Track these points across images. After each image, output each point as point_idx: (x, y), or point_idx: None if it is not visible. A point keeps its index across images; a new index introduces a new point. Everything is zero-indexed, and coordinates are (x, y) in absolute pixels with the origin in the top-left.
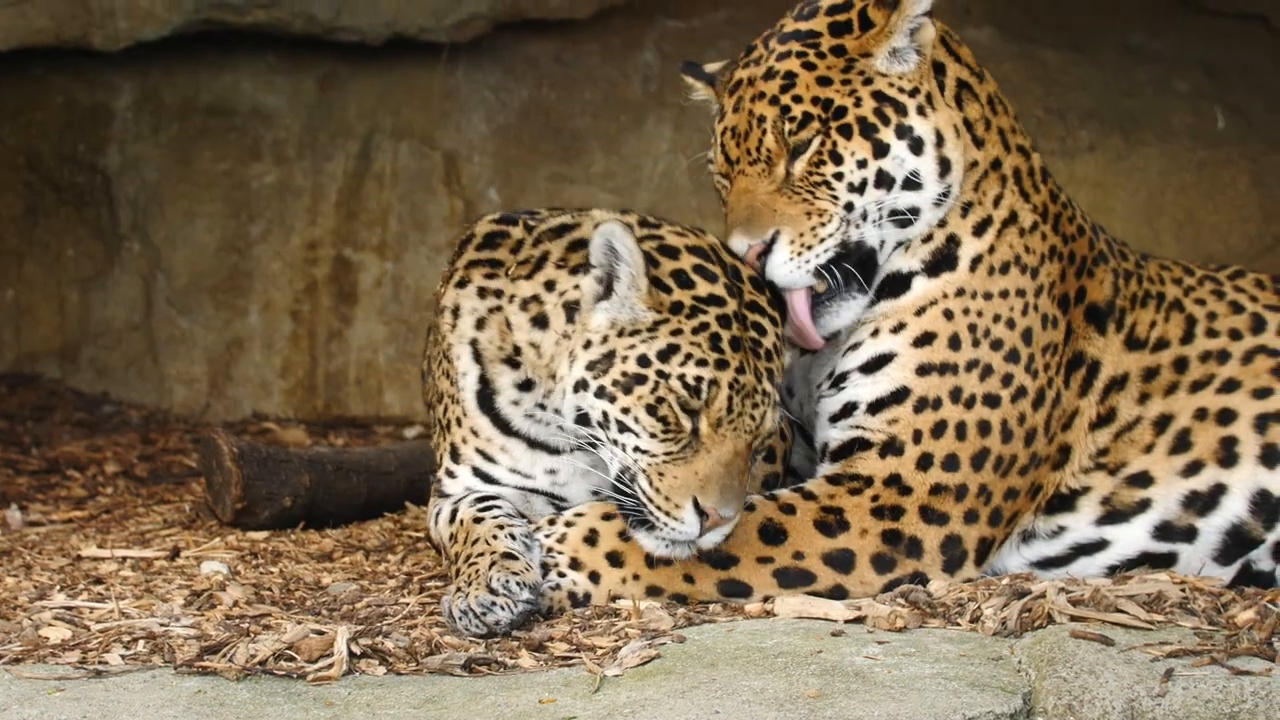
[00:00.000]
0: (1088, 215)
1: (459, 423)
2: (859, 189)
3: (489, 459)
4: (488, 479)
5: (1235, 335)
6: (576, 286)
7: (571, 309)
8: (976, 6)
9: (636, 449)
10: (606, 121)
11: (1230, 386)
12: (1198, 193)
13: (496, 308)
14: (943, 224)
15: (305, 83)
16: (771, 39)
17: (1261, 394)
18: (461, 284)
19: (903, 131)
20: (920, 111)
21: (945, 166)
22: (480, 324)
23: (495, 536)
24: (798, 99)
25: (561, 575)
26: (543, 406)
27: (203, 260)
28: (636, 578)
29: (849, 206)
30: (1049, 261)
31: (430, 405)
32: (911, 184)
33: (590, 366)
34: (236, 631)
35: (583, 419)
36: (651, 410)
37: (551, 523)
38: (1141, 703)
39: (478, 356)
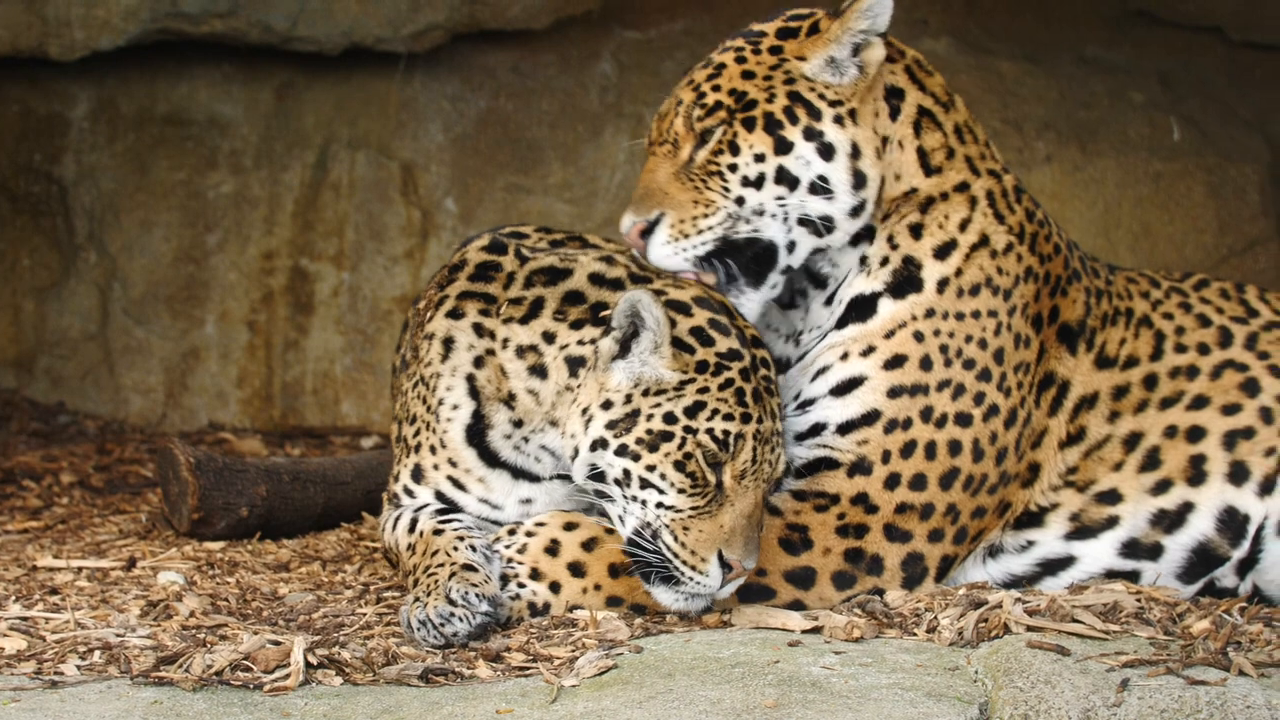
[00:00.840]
0: (1062, 231)
1: (433, 450)
2: (754, 183)
3: (460, 487)
4: (450, 505)
5: (1203, 350)
6: (580, 342)
7: (575, 364)
8: (934, 18)
9: (660, 505)
10: (564, 132)
11: (1199, 403)
12: (1154, 204)
13: (491, 350)
14: (895, 247)
15: (262, 92)
16: (730, 37)
17: (1230, 410)
18: (455, 315)
19: (811, 134)
20: (838, 121)
21: (860, 180)
22: (479, 362)
23: (456, 548)
24: (716, 88)
25: (521, 585)
26: (527, 440)
27: (159, 270)
28: (598, 588)
29: (740, 200)
30: (1024, 283)
31: (397, 418)
32: (820, 189)
33: (611, 425)
34: (193, 642)
35: (597, 476)
36: (679, 466)
37: (512, 533)
38: (1097, 712)
39: (475, 393)
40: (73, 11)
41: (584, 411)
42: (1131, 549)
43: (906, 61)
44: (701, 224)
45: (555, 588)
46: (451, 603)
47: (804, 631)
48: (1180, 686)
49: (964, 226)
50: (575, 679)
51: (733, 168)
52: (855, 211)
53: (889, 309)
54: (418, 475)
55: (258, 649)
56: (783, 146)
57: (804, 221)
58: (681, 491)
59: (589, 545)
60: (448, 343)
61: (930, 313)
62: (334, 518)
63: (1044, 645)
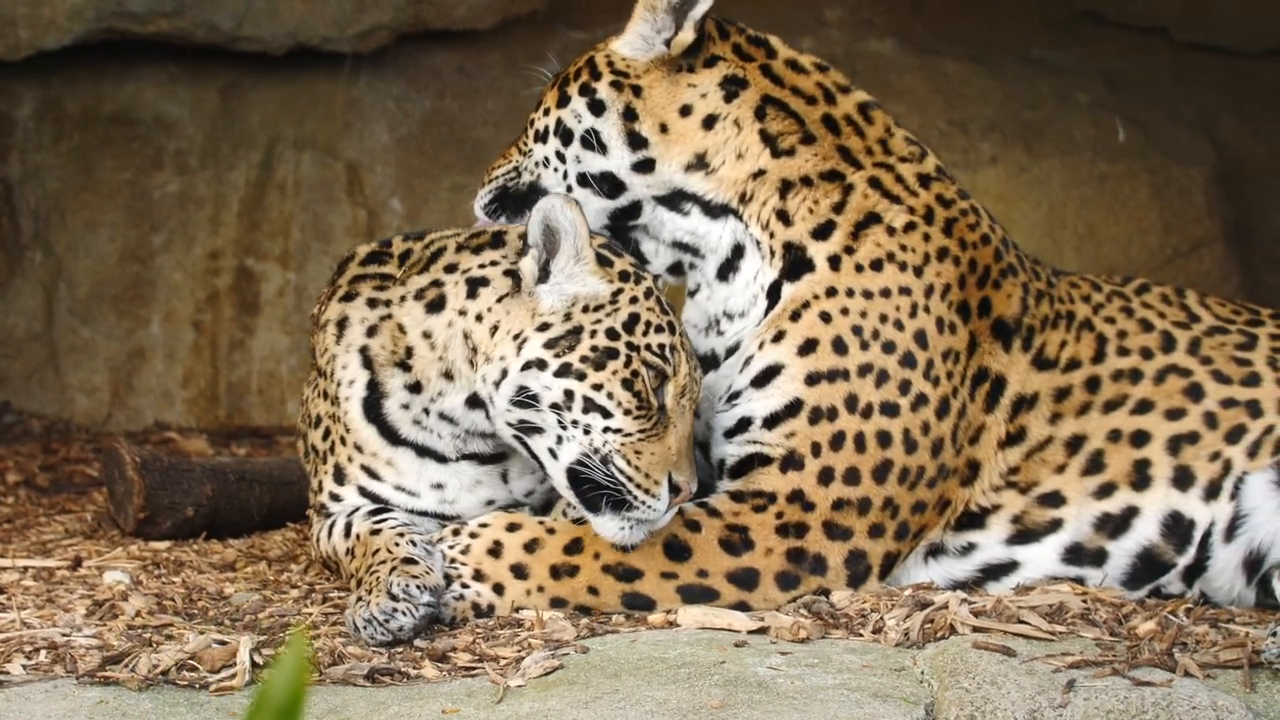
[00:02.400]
0: (999, 228)
1: (342, 441)
2: (541, 136)
3: (374, 476)
4: (375, 499)
5: (1146, 354)
6: (481, 265)
7: (475, 284)
8: (879, 18)
9: (608, 429)
10: (509, 132)
11: (1143, 407)
12: (1099, 205)
13: (387, 315)
14: (771, 234)
15: (207, 92)
16: None
17: (1174, 415)
18: (348, 297)
19: (585, 90)
20: (615, 86)
21: (637, 140)
22: (371, 331)
23: (397, 544)
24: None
25: (465, 586)
26: (427, 412)
27: (104, 270)
28: (541, 589)
29: (527, 152)
30: (937, 262)
31: (303, 435)
32: (591, 144)
33: (551, 345)
34: (139, 642)
35: (525, 402)
36: (627, 384)
37: (456, 534)
38: (1043, 713)
39: (368, 363)
40: (18, 10)
41: (515, 336)
42: (1075, 554)
43: (770, 62)
44: (495, 172)
45: (499, 589)
46: (393, 598)
47: (750, 632)
48: (1126, 687)
49: (839, 209)
50: (521, 679)
51: (531, 122)
52: (640, 167)
53: (789, 291)
54: (339, 476)
55: (204, 649)
56: (562, 100)
57: (583, 180)
58: (628, 413)
59: (531, 547)
60: (341, 324)
61: (832, 291)
62: (280, 517)
63: (990, 646)
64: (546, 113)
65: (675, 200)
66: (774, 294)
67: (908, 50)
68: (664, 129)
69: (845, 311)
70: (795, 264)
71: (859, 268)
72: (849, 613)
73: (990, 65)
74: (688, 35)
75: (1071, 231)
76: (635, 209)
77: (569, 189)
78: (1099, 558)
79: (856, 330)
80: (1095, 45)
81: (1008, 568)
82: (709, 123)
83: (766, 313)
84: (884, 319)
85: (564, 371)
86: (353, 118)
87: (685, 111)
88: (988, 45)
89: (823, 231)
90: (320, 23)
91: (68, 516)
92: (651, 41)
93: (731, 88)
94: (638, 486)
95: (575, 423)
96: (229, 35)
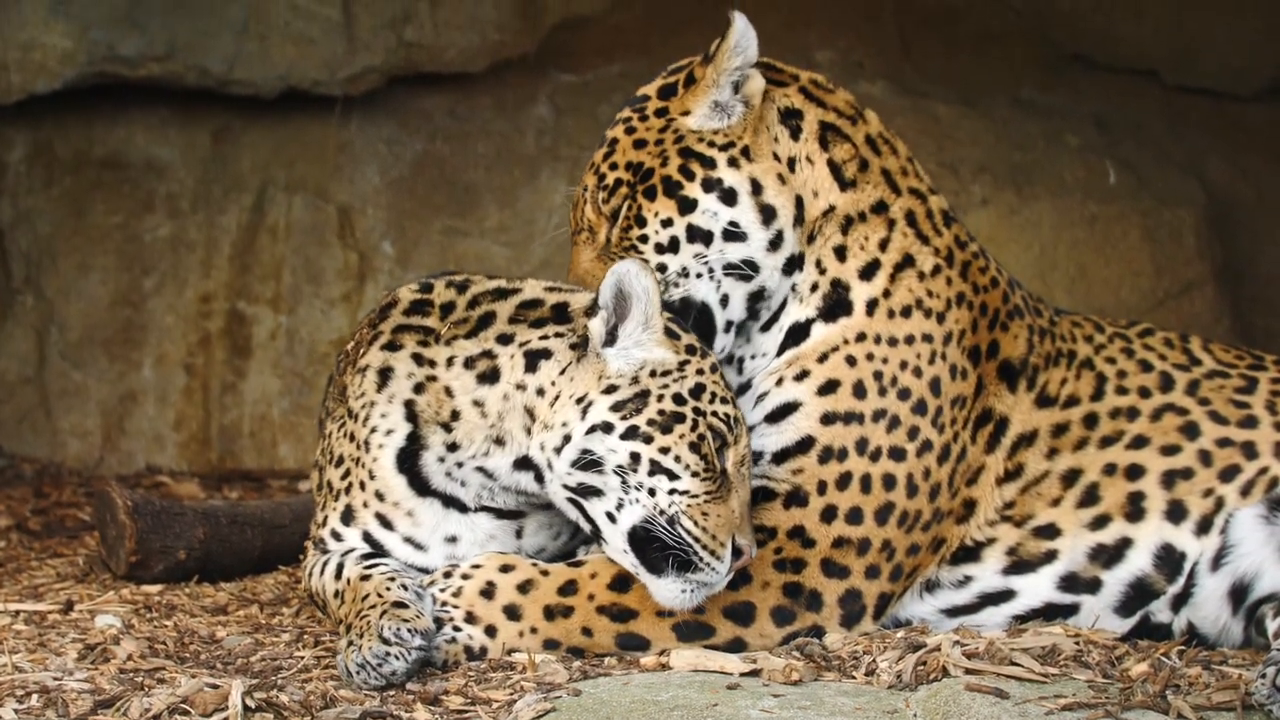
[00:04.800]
0: (1004, 269)
1: (362, 486)
2: (670, 248)
3: (386, 525)
4: (377, 548)
5: (1144, 393)
6: (543, 338)
7: (535, 357)
8: (869, 61)
9: (674, 491)
10: (500, 175)
11: (1139, 443)
12: (1089, 247)
13: (433, 376)
14: (823, 271)
15: (199, 136)
16: (620, 108)
17: (1169, 451)
18: (392, 347)
19: (710, 185)
20: (732, 164)
21: (769, 214)
22: (419, 388)
23: (388, 588)
24: (614, 166)
25: (457, 629)
26: (460, 465)
27: (96, 313)
28: (534, 631)
29: (661, 268)
30: (956, 308)
31: (320, 468)
32: (733, 235)
33: (617, 407)
34: (131, 685)
35: (587, 465)
36: (694, 448)
37: (448, 575)
38: None
39: (412, 417)
40: (9, 55)
41: (580, 400)
42: (1070, 583)
43: (801, 83)
44: None
45: (491, 631)
46: (385, 641)
47: (742, 674)
48: None
49: (884, 246)
50: None
51: (644, 239)
52: (774, 245)
53: (821, 332)
54: (347, 517)
55: (196, 692)
56: (687, 206)
57: (729, 269)
58: (695, 475)
59: (524, 588)
60: (384, 372)
61: (862, 336)
62: (272, 560)
63: (982, 688)
64: (668, 223)
65: (785, 265)
66: (798, 332)
67: (898, 92)
68: (781, 182)
69: (870, 357)
70: (836, 304)
71: (891, 314)
72: (841, 655)
73: (980, 107)
74: (758, 82)
75: (1063, 273)
76: (763, 290)
77: (718, 285)
78: (1093, 586)
79: (878, 376)
80: (1085, 88)
81: (1004, 595)
82: (791, 166)
83: (781, 349)
84: (904, 366)
85: (631, 434)
86: (344, 161)
87: (777, 159)
88: (978, 87)
89: (868, 271)
90: (311, 66)
91: (59, 560)
92: (728, 105)
93: (792, 121)
94: (704, 548)
95: (640, 485)
96: (220, 79)
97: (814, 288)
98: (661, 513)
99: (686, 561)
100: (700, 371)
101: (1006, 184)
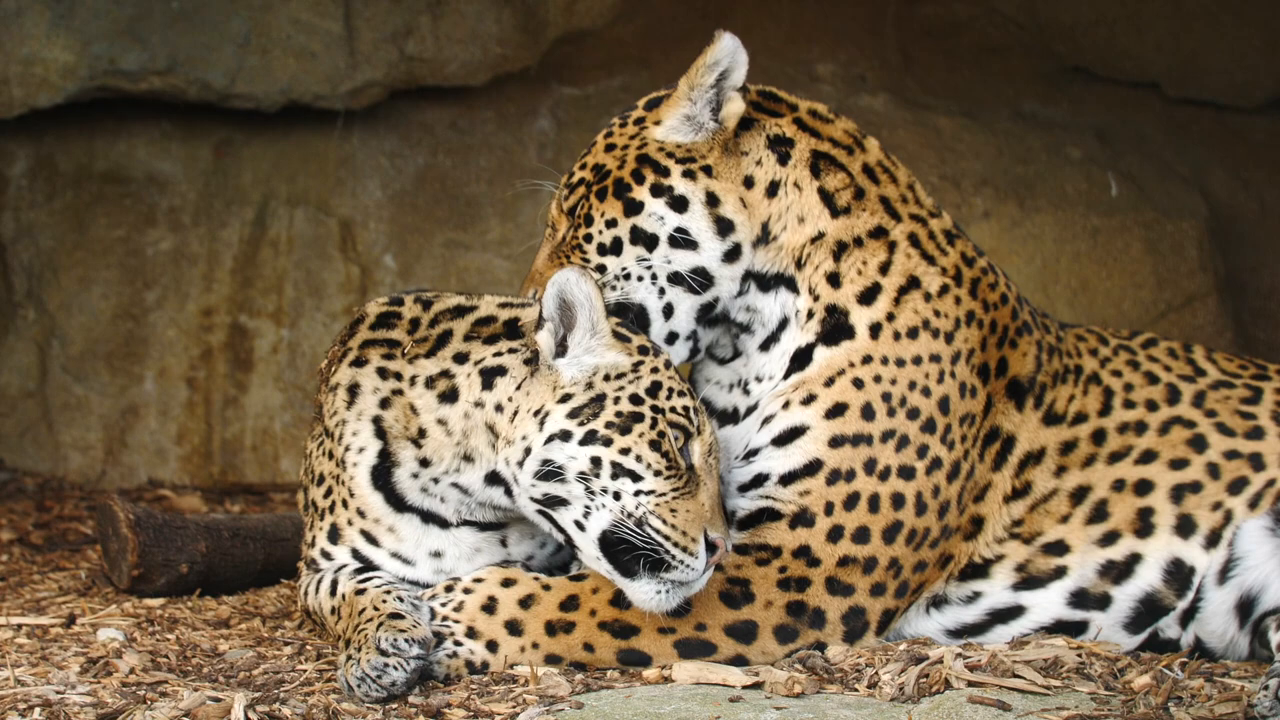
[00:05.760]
0: (1011, 284)
1: (344, 504)
2: (612, 249)
3: (372, 541)
4: (366, 564)
5: (1151, 407)
6: (496, 354)
7: (490, 374)
8: (871, 74)
9: (639, 492)
10: (502, 188)
11: (1147, 457)
12: (1092, 259)
13: (399, 390)
14: (816, 297)
15: (200, 149)
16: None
17: (1178, 465)
18: (359, 363)
19: (659, 190)
20: (688, 175)
21: (725, 226)
22: (385, 403)
23: (384, 601)
24: (583, 166)
25: (459, 644)
26: (436, 481)
27: (98, 327)
28: (536, 646)
29: (600, 269)
30: (965, 326)
31: (305, 488)
32: (682, 242)
33: (574, 414)
34: (133, 699)
35: (550, 474)
36: (655, 446)
37: (449, 589)
38: None
39: (381, 434)
40: (10, 69)
41: (537, 412)
42: (1080, 599)
43: (798, 114)
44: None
45: (493, 646)
46: (383, 653)
47: (745, 687)
48: None
49: (885, 269)
50: None
51: (589, 238)
52: (729, 256)
53: (824, 356)
54: (334, 535)
55: (198, 706)
56: (632, 208)
57: (675, 279)
58: (659, 474)
59: (526, 603)
60: (352, 389)
61: (868, 359)
62: (274, 574)
63: (985, 700)
64: (612, 224)
65: (743, 280)
66: (802, 357)
67: (900, 105)
68: (743, 205)
69: (878, 379)
70: (835, 329)
71: (897, 335)
72: (844, 667)
73: (982, 120)
74: (737, 105)
75: (1064, 286)
76: (716, 302)
77: (660, 292)
78: (1103, 602)
79: (886, 397)
80: (1087, 100)
81: (1014, 612)
82: (772, 190)
83: (788, 374)
84: (913, 386)
85: (590, 439)
86: (345, 174)
87: (749, 183)
88: (979, 100)
89: (868, 296)
90: (313, 80)
91: (62, 574)
92: (699, 120)
93: (781, 148)
94: (675, 545)
95: (605, 490)
96: (221, 92)
97: (810, 314)
98: (629, 515)
99: (659, 561)
100: (655, 370)
101: (1008, 196)
